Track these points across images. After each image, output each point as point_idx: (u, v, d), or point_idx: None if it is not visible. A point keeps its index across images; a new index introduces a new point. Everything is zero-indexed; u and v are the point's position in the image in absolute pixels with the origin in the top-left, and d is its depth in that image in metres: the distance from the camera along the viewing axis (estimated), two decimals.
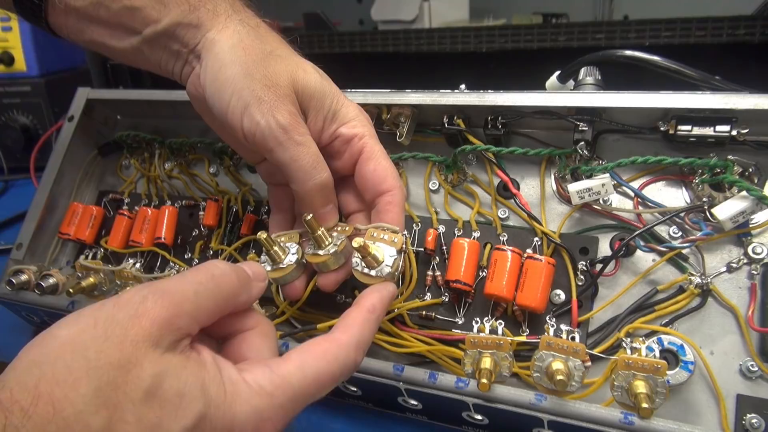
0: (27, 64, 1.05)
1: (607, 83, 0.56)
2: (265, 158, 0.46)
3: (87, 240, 0.61)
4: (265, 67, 0.40)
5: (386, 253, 0.41)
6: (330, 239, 0.43)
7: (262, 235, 0.42)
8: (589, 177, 0.45)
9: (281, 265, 0.43)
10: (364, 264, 0.41)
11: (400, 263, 0.42)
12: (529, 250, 0.46)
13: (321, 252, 0.43)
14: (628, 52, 0.54)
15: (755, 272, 0.41)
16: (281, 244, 0.44)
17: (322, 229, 0.43)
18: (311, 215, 0.42)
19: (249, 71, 0.40)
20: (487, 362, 0.38)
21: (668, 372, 0.39)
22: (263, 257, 0.44)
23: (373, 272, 0.41)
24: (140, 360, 0.26)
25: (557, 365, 0.37)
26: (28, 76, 1.05)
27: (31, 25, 0.45)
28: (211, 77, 0.41)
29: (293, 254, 0.44)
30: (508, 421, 0.41)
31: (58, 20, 0.43)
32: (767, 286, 0.41)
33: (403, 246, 0.42)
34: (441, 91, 0.51)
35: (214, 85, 0.41)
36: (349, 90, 0.51)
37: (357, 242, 0.40)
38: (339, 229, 0.44)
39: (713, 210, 0.41)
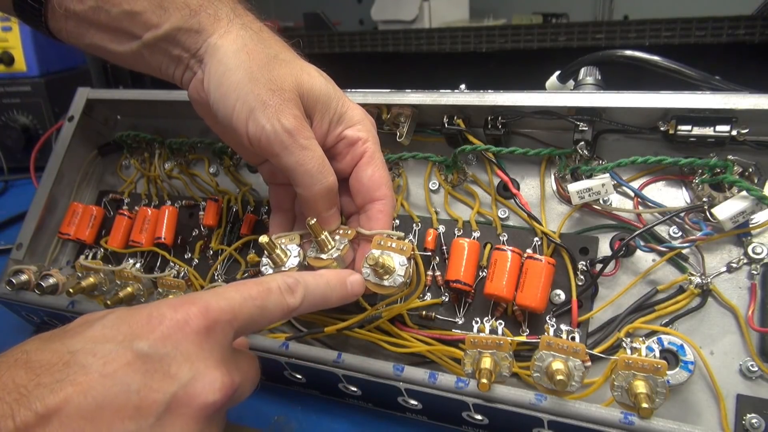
0: (27, 64, 1.05)
1: (607, 83, 0.56)
2: (267, 159, 0.46)
3: (87, 240, 0.61)
4: (269, 72, 0.40)
5: (397, 261, 0.41)
6: (333, 243, 0.43)
7: (264, 239, 0.42)
8: (589, 177, 0.45)
9: (283, 268, 0.43)
10: (375, 274, 0.41)
11: (411, 270, 0.42)
12: (529, 250, 0.46)
13: (324, 256, 0.43)
14: (628, 52, 0.54)
15: (755, 272, 0.41)
16: (282, 246, 0.44)
17: (326, 233, 0.43)
18: (314, 220, 0.42)
19: (253, 76, 0.40)
20: (487, 362, 0.38)
21: (668, 372, 0.39)
22: (265, 260, 0.44)
23: (386, 282, 0.41)
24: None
25: (557, 365, 0.37)
26: (28, 76, 1.05)
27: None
28: (216, 82, 0.41)
29: (295, 257, 0.44)
30: (508, 421, 0.41)
31: (57, 24, 0.43)
32: (767, 286, 0.41)
33: (412, 253, 0.42)
34: (441, 91, 0.51)
35: (218, 91, 0.41)
36: (349, 90, 0.51)
37: (372, 259, 0.40)
38: (341, 232, 0.44)
39: (713, 210, 0.41)
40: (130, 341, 0.28)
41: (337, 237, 0.44)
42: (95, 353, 0.27)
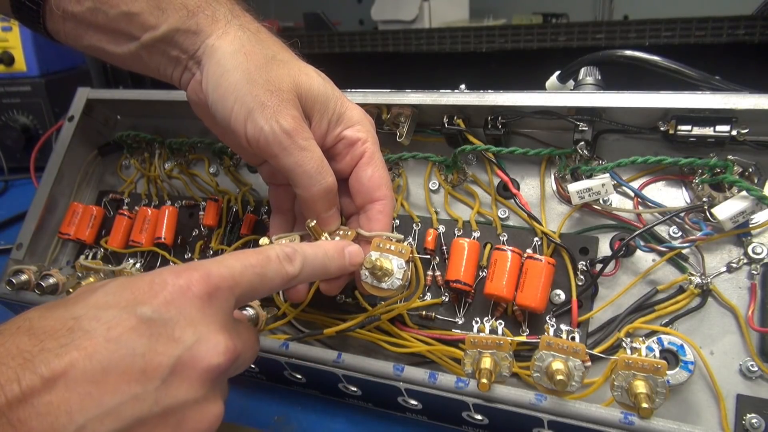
0: (27, 64, 1.05)
1: (607, 83, 0.56)
2: (267, 160, 0.46)
3: (87, 240, 0.61)
4: (267, 72, 0.40)
5: (395, 264, 0.41)
6: None
7: (264, 241, 0.42)
8: (589, 177, 0.45)
9: None
10: (373, 277, 0.41)
11: (409, 273, 0.42)
12: (529, 250, 0.46)
13: None
14: (628, 52, 0.54)
15: (755, 272, 0.41)
16: None
17: (326, 235, 0.43)
18: (314, 222, 0.42)
19: (251, 77, 0.40)
20: (487, 362, 0.38)
21: (668, 372, 0.39)
22: None
23: (384, 285, 0.41)
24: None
25: (557, 365, 0.37)
26: (28, 76, 1.05)
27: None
28: (214, 84, 0.41)
29: None
30: (508, 421, 0.41)
31: (56, 26, 0.43)
32: (767, 286, 0.41)
33: (411, 256, 0.42)
34: (441, 91, 0.51)
35: (216, 92, 0.41)
36: (349, 90, 0.51)
37: (369, 262, 0.40)
38: (341, 233, 0.44)
39: (713, 210, 0.41)
40: (134, 306, 0.28)
41: (337, 238, 0.44)
42: (99, 319, 0.28)
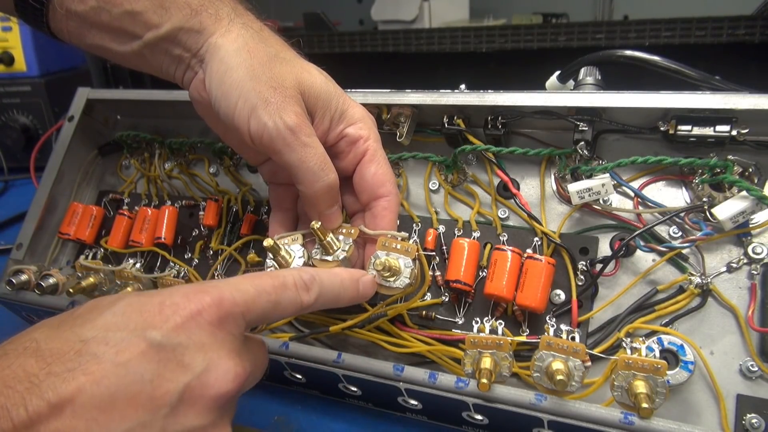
0: (27, 64, 1.05)
1: (607, 83, 0.56)
2: (269, 159, 0.46)
3: (87, 240, 0.61)
4: (270, 69, 0.40)
5: (402, 263, 0.41)
6: (338, 244, 0.43)
7: (268, 242, 0.42)
8: (589, 177, 0.45)
9: None
10: (382, 277, 0.41)
11: (416, 271, 0.42)
12: (529, 250, 0.46)
13: (330, 258, 0.43)
14: (628, 52, 0.54)
15: (755, 272, 0.41)
16: (286, 248, 0.44)
17: (330, 235, 0.43)
18: (319, 224, 0.42)
19: (255, 74, 0.40)
20: (487, 362, 0.38)
21: (668, 372, 0.39)
22: (270, 262, 0.44)
23: (392, 284, 0.41)
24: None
25: (557, 365, 0.37)
26: (28, 76, 1.05)
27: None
28: (217, 81, 0.41)
29: (300, 258, 0.44)
30: (508, 421, 0.41)
31: (59, 25, 0.43)
32: (767, 286, 0.41)
33: (417, 254, 0.42)
34: (441, 91, 0.51)
35: (220, 89, 0.41)
36: (349, 90, 0.51)
37: (380, 264, 0.40)
38: (344, 231, 0.45)
39: (713, 210, 0.41)
40: (143, 330, 0.28)
41: (341, 237, 0.44)
42: (107, 342, 0.27)
